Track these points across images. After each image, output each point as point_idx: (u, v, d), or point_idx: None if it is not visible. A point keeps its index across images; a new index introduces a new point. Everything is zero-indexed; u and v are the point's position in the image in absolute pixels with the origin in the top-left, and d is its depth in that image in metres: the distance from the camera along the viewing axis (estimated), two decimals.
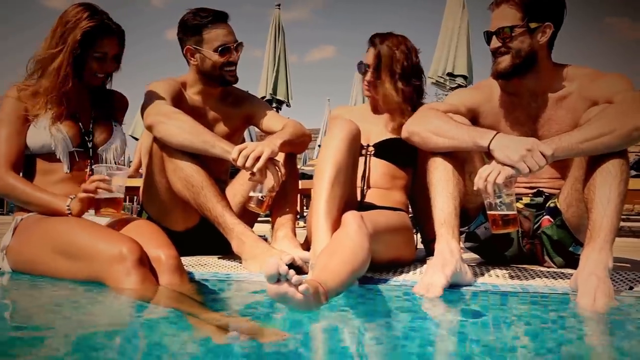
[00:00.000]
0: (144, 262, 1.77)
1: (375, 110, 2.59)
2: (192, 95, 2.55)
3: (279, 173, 2.18)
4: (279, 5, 7.83)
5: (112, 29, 2.11)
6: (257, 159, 2.11)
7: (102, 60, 2.12)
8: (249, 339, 1.21)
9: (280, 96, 7.54)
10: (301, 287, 1.32)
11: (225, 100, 2.63)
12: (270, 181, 2.16)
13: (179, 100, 2.42)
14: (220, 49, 2.43)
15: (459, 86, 6.39)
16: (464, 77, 6.55)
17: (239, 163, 2.12)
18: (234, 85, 2.63)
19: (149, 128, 2.27)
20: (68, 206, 1.99)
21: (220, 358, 1.12)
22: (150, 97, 2.33)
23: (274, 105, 7.63)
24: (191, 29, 2.46)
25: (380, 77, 2.45)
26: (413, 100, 2.45)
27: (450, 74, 6.60)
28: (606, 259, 1.68)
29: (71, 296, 1.76)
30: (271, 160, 2.16)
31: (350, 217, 1.82)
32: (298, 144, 2.45)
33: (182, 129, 2.20)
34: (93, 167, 2.07)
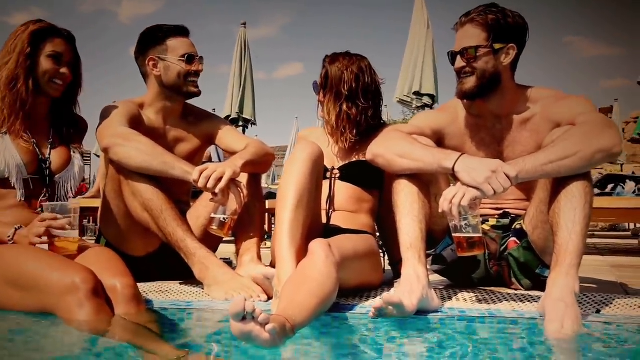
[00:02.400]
0: (98, 292, 1.68)
1: None
2: (151, 115, 2.48)
3: (242, 194, 2.14)
4: (244, 24, 7.81)
5: (60, 30, 2.10)
6: (219, 179, 2.06)
7: (57, 60, 2.06)
8: None
9: (246, 115, 7.49)
10: (268, 327, 1.26)
11: (186, 120, 2.57)
12: (232, 203, 2.11)
13: (136, 122, 2.35)
14: (185, 56, 2.40)
15: (425, 105, 6.45)
16: (431, 96, 6.59)
17: (200, 184, 2.07)
18: (194, 105, 2.57)
19: (105, 151, 2.20)
20: (9, 237, 1.90)
21: None
22: (105, 119, 2.26)
23: (241, 124, 7.57)
24: (154, 39, 2.43)
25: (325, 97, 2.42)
26: (360, 122, 2.39)
27: (417, 93, 6.64)
28: (573, 283, 1.66)
29: (21, 329, 1.67)
30: (233, 181, 2.11)
31: (318, 246, 1.76)
32: (261, 163, 2.40)
33: (140, 151, 2.13)
34: (42, 205, 1.98)
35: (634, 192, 4.18)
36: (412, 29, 6.71)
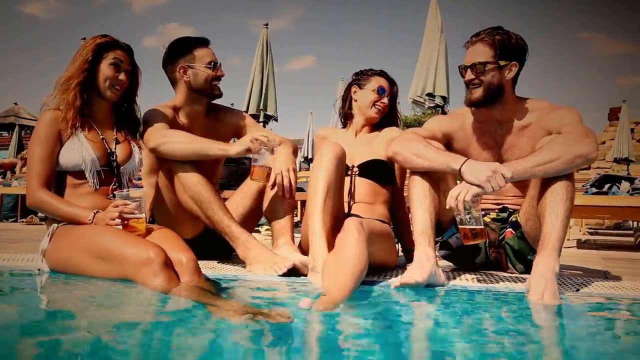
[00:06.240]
0: (168, 264, 2.07)
1: (357, 134, 2.99)
2: (182, 117, 2.88)
3: (274, 149, 2.54)
4: (266, 24, 8.20)
5: (121, 44, 2.49)
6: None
7: (117, 67, 2.44)
8: (261, 319, 1.52)
9: (270, 111, 7.91)
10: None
11: (210, 116, 2.96)
12: (267, 156, 2.53)
13: (172, 123, 2.75)
14: (212, 63, 2.81)
15: (437, 106, 6.80)
16: (443, 97, 6.94)
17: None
18: (216, 102, 2.96)
19: (153, 151, 2.60)
20: (90, 219, 2.28)
21: (236, 334, 1.46)
22: (148, 123, 2.66)
23: (262, 119, 7.97)
24: (183, 49, 2.83)
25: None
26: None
27: (429, 94, 6.99)
28: (554, 264, 2.03)
29: (104, 290, 2.06)
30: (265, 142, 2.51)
31: (352, 223, 2.15)
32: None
33: (182, 143, 2.55)
34: (115, 193, 2.39)
35: (628, 191, 4.51)
36: (426, 33, 7.05)
